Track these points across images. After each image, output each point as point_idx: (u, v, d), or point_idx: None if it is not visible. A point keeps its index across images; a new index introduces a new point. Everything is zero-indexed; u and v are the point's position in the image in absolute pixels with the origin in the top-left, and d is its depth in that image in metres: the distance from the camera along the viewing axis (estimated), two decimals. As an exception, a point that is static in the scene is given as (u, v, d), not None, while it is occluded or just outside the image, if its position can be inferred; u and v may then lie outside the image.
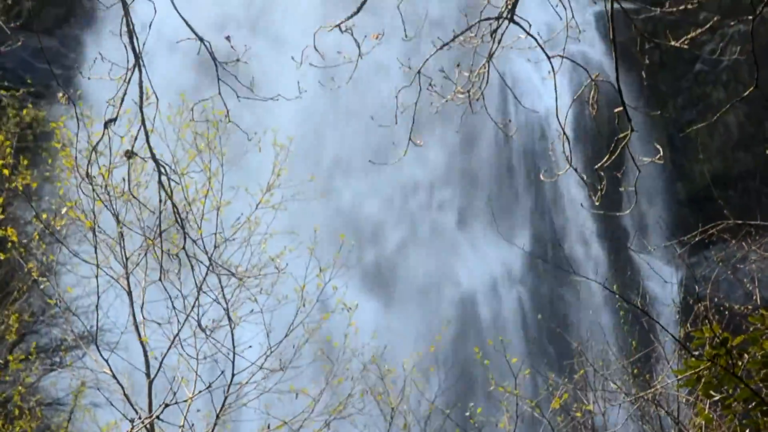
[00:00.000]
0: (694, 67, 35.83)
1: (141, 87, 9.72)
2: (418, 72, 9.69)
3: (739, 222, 14.97)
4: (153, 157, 10.36)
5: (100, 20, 30.13)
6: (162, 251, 13.12)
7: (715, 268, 21.76)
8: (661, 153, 10.20)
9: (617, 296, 22.07)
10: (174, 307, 15.29)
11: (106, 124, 10.21)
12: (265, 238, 18.98)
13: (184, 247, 12.06)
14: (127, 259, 16.12)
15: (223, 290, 15.54)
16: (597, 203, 9.74)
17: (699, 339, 9.45)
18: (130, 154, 10.77)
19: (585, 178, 10.12)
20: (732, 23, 33.55)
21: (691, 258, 26.89)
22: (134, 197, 14.30)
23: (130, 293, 16.06)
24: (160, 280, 13.37)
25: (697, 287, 19.74)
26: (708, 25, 12.84)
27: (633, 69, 30.15)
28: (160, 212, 11.96)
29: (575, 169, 9.78)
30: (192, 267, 12.87)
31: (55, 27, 33.10)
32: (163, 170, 10.44)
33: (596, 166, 9.67)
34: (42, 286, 19.55)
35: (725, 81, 35.58)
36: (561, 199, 34.02)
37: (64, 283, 19.24)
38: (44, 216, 18.87)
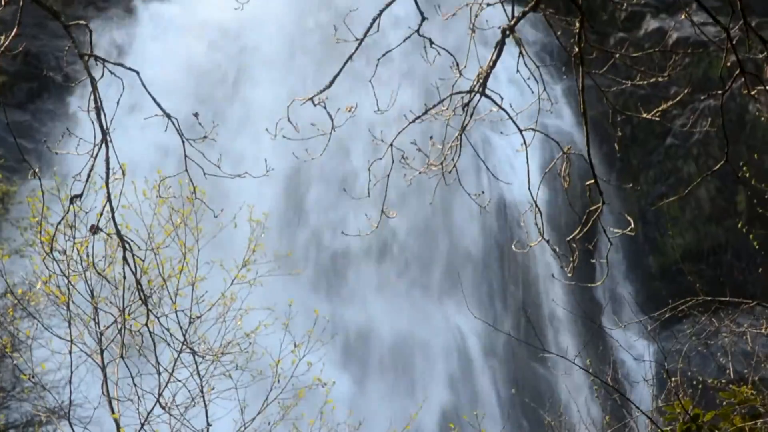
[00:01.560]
0: (665, 141, 36.11)
1: (107, 163, 9.76)
2: (390, 144, 9.75)
3: (709, 298, 15.04)
4: (118, 233, 10.39)
5: (72, 95, 30.24)
6: (123, 328, 13.12)
7: (687, 342, 21.80)
8: (632, 225, 10.25)
9: (589, 373, 22.03)
10: (137, 386, 15.19)
11: (72, 200, 10.23)
12: (241, 314, 18.94)
13: (146, 324, 12.04)
14: (101, 334, 16.04)
15: (197, 366, 15.47)
16: (570, 275, 9.76)
17: (671, 414, 9.45)
18: (95, 230, 10.78)
19: (557, 250, 10.16)
20: (702, 98, 33.89)
21: (663, 332, 26.88)
22: (99, 273, 14.29)
23: (103, 368, 15.95)
24: (121, 356, 13.31)
25: (668, 362, 19.74)
26: (678, 99, 12.99)
27: (605, 142, 30.47)
28: (124, 288, 11.98)
29: (547, 241, 9.82)
30: (155, 345, 12.87)
31: (27, 101, 33.17)
32: (127, 246, 10.46)
33: (568, 238, 9.71)
34: (15, 362, 19.41)
35: (696, 155, 35.86)
36: (533, 272, 34.06)
37: (36, 358, 19.10)
38: (19, 291, 18.80)
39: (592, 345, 29.37)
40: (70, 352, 15.80)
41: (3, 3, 9.71)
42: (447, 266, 33.94)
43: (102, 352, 16.03)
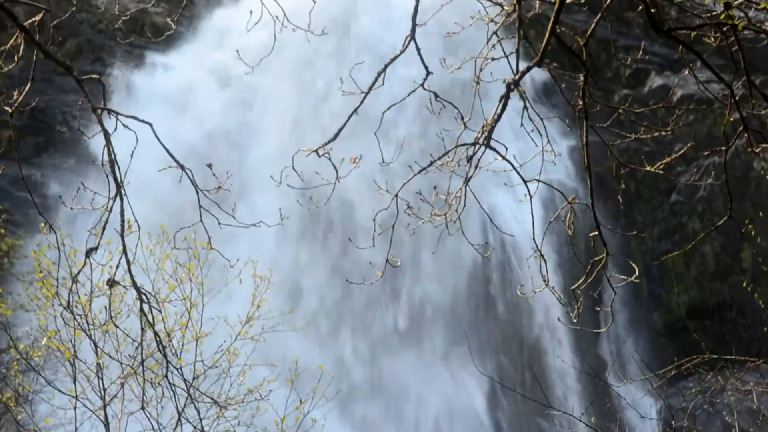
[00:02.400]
0: (669, 198, 36.16)
1: (122, 216, 9.80)
2: (395, 195, 9.81)
3: (715, 356, 15.06)
4: (134, 285, 10.40)
5: (81, 148, 30.34)
6: (144, 380, 13.11)
7: (693, 400, 21.74)
8: (637, 272, 10.29)
9: (596, 431, 21.95)
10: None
11: (88, 253, 10.26)
12: (244, 370, 18.93)
13: (165, 376, 12.03)
14: (105, 390, 16.03)
15: (201, 422, 15.45)
16: (575, 320, 9.79)
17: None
18: (112, 283, 10.80)
19: (562, 297, 10.20)
20: (706, 154, 33.99)
21: (669, 389, 26.81)
22: (116, 326, 14.30)
23: (107, 424, 15.94)
24: (142, 408, 13.31)
25: (674, 420, 19.68)
26: (681, 153, 13.07)
27: (609, 198, 30.46)
28: (142, 341, 11.97)
29: (552, 288, 9.86)
30: (174, 394, 12.83)
31: (34, 155, 33.29)
32: (144, 299, 10.48)
33: (573, 287, 9.75)
34: (18, 417, 19.37)
35: (701, 212, 35.89)
36: (538, 327, 33.99)
37: (39, 413, 19.07)
38: (21, 347, 18.79)
39: (598, 402, 29.27)
40: (75, 408, 15.80)
41: (16, 58, 9.81)
42: (451, 318, 33.88)
43: (105, 407, 16.04)
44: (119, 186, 9.53)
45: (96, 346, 15.82)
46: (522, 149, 10.52)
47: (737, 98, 11.06)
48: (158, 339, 11.41)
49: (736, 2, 10.66)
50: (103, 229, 9.73)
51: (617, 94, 37.00)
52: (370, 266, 10.74)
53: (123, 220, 9.69)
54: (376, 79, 9.71)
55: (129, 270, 10.23)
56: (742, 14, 10.80)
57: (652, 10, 10.14)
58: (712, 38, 11.12)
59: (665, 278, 35.42)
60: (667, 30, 10.23)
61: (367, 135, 10.36)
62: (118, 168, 9.53)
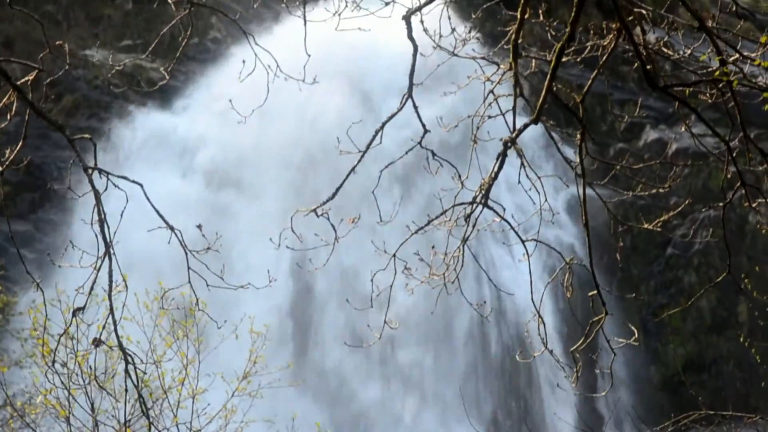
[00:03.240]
0: (666, 252, 36.13)
1: (110, 276, 9.76)
2: (393, 255, 9.76)
3: (712, 413, 14.99)
4: (120, 346, 10.35)
5: (76, 205, 30.32)
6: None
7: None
8: (636, 335, 10.24)
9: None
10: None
11: (75, 313, 10.21)
12: (242, 427, 18.82)
13: (150, 438, 11.94)
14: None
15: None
16: (574, 385, 9.73)
17: None
18: (97, 343, 10.75)
19: (560, 360, 10.13)
20: (703, 209, 33.99)
21: (667, 444, 26.63)
22: (101, 387, 14.21)
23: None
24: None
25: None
26: (679, 210, 13.05)
27: (606, 252, 30.46)
28: (125, 402, 11.89)
29: (551, 351, 9.80)
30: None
31: (29, 212, 33.27)
32: (129, 359, 10.41)
33: (572, 349, 9.69)
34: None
35: (697, 265, 35.85)
36: (535, 384, 33.84)
37: (33, 471, 18.91)
38: (19, 404, 18.69)
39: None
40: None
41: (9, 116, 9.80)
42: (448, 377, 33.72)
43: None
44: (108, 245, 9.49)
45: (92, 404, 15.74)
46: (520, 203, 10.50)
47: (734, 153, 11.05)
48: (142, 401, 11.36)
49: (731, 58, 10.67)
50: (91, 288, 9.69)
51: (613, 147, 37.08)
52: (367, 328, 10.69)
53: (111, 280, 9.65)
54: (374, 138, 9.71)
55: (115, 330, 10.18)
56: (737, 69, 10.82)
57: (648, 67, 10.15)
58: (708, 94, 11.14)
59: (662, 332, 35.33)
60: (662, 87, 10.23)
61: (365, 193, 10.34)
62: (107, 227, 9.49)
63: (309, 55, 10.20)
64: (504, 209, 9.85)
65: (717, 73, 10.47)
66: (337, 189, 9.55)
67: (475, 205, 9.82)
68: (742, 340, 30.00)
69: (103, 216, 9.43)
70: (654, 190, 11.43)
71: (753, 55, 10.73)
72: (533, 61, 10.94)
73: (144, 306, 17.20)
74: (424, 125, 9.98)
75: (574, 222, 34.33)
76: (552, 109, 10.97)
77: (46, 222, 32.89)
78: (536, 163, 32.69)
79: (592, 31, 11.43)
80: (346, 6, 9.97)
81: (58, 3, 37.70)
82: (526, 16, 10.39)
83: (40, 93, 10.44)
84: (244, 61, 10.27)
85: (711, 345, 35.75)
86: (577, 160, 10.06)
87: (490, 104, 10.22)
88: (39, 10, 36.47)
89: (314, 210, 9.50)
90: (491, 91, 10.26)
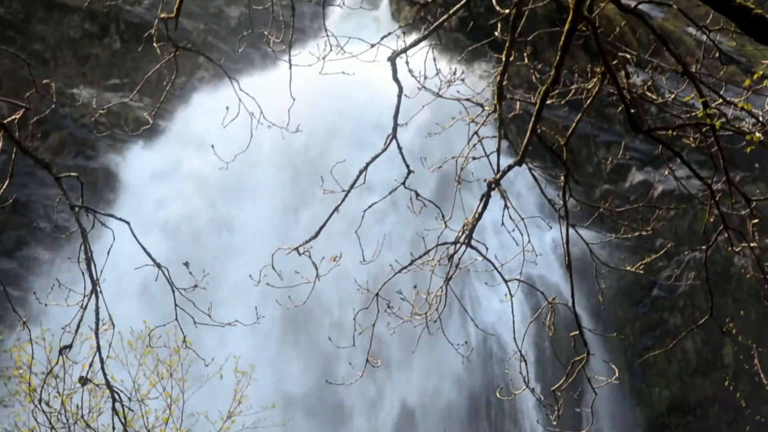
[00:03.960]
0: (651, 293, 36.17)
1: (97, 314, 9.76)
2: (377, 295, 9.78)
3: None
4: (107, 384, 10.34)
5: (62, 242, 30.26)
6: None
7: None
8: (617, 374, 10.27)
9: None
10: None
11: (61, 351, 10.20)
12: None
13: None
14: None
15: None
16: (554, 422, 9.74)
17: None
18: (84, 381, 10.72)
19: (542, 399, 10.15)
20: (687, 251, 34.06)
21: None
22: (88, 426, 14.16)
23: None
24: None
25: None
26: (662, 252, 13.10)
27: (591, 293, 30.48)
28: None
29: (532, 390, 9.82)
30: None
31: (15, 249, 33.20)
32: (117, 397, 10.40)
33: (553, 388, 9.71)
34: None
35: (682, 307, 35.88)
36: (519, 424, 33.75)
37: None
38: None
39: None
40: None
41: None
42: (431, 415, 33.63)
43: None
44: (95, 283, 9.50)
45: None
46: (503, 242, 10.53)
47: (717, 196, 11.12)
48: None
49: (714, 103, 10.76)
50: (78, 327, 9.69)
51: (598, 189, 37.18)
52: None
53: (98, 318, 9.66)
54: (357, 178, 9.75)
55: (102, 368, 10.16)
56: (721, 112, 10.90)
57: (632, 110, 10.22)
58: (692, 138, 11.21)
59: (647, 373, 35.30)
60: (646, 130, 10.31)
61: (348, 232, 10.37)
62: (94, 265, 9.50)
63: (294, 99, 10.26)
64: (487, 249, 9.89)
65: (700, 115, 10.56)
66: (320, 228, 9.59)
67: (458, 245, 9.85)
68: (727, 383, 30.05)
69: (89, 254, 9.45)
70: (638, 233, 11.48)
71: (736, 100, 10.82)
72: (518, 102, 11.01)
73: (128, 344, 17.16)
74: (407, 166, 10.03)
75: (558, 262, 34.36)
76: (537, 148, 11.06)
77: (31, 260, 32.83)
78: (524, 200, 32.79)
79: (577, 74, 11.51)
80: (331, 49, 10.04)
81: (45, 42, 37.80)
82: (512, 59, 10.47)
83: (27, 131, 10.47)
84: (227, 108, 10.33)
85: (696, 387, 35.73)
86: (561, 201, 10.11)
87: (474, 145, 10.28)
88: (26, 48, 36.57)
89: (296, 248, 9.53)
90: (476, 133, 10.32)
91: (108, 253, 9.49)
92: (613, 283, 35.22)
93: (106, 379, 10.31)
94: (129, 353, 17.37)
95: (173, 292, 9.64)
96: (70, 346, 10.18)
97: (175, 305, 9.73)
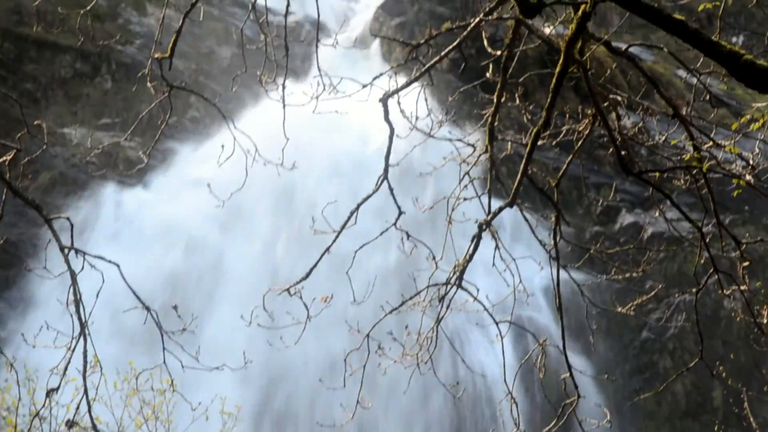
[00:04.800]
0: (641, 335, 36.13)
1: (85, 357, 9.73)
2: (367, 335, 9.77)
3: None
4: (94, 427, 10.28)
5: (50, 283, 30.17)
6: None
7: None
8: (608, 417, 10.25)
9: None
10: None
11: (48, 394, 10.16)
12: None
13: None
14: None
15: None
16: (546, 466, 9.72)
17: None
18: (71, 424, 10.67)
19: (533, 441, 10.13)
20: (677, 294, 34.08)
21: None
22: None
23: None
24: None
25: None
26: (652, 294, 13.12)
27: (581, 335, 30.44)
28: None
29: (523, 432, 9.80)
30: None
31: (3, 289, 33.09)
32: (103, 440, 10.36)
33: (544, 431, 9.69)
34: None
35: (672, 349, 35.84)
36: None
37: None
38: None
39: None
40: None
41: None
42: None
43: None
44: (83, 326, 9.47)
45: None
46: (494, 283, 10.53)
47: (707, 239, 11.14)
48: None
49: (704, 145, 10.80)
50: (65, 369, 9.65)
51: (588, 231, 37.22)
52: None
53: (86, 361, 9.62)
54: (349, 218, 9.75)
55: (89, 412, 10.12)
56: (711, 155, 10.94)
57: (623, 153, 10.25)
58: (682, 180, 11.24)
59: (637, 416, 35.21)
60: (637, 173, 10.33)
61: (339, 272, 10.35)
62: (83, 308, 9.48)
63: (287, 139, 10.28)
64: (478, 290, 9.88)
65: (689, 157, 10.59)
66: (311, 269, 9.58)
67: (449, 286, 9.85)
68: (716, 427, 29.98)
69: (78, 296, 9.43)
70: (628, 275, 11.49)
71: (726, 143, 10.86)
72: (509, 143, 11.05)
73: (114, 386, 17.09)
74: (399, 206, 10.03)
75: (549, 304, 34.33)
76: (528, 190, 11.06)
77: (20, 300, 32.71)
78: (515, 240, 32.79)
79: (568, 115, 11.55)
80: (324, 89, 10.06)
81: (37, 82, 37.86)
82: (503, 100, 10.50)
83: (18, 171, 10.46)
84: (222, 146, 10.34)
85: (686, 430, 35.64)
86: (552, 243, 10.12)
87: (465, 186, 10.29)
88: (18, 88, 36.61)
89: (287, 289, 9.52)
90: (467, 173, 10.34)
91: (97, 295, 9.48)
92: (602, 325, 35.20)
93: (93, 424, 10.26)
94: (113, 395, 17.29)
95: (161, 335, 9.62)
96: (57, 389, 10.14)
97: (164, 348, 9.70)
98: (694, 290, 11.43)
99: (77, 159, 35.72)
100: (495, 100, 10.33)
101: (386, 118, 9.98)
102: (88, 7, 11.61)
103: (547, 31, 11.91)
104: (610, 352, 35.87)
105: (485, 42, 10.44)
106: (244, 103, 33.85)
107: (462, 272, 9.82)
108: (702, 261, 11.33)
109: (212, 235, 34.76)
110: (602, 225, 37.62)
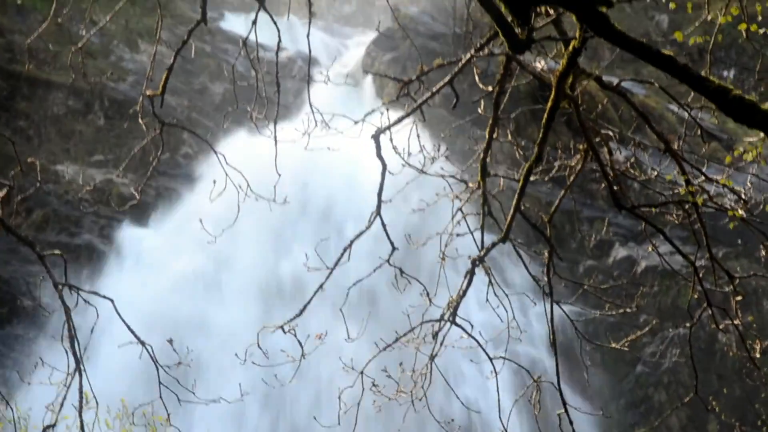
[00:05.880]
0: (635, 369, 36.08)
1: (81, 393, 9.69)
2: (361, 372, 9.75)
3: None
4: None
5: (45, 319, 30.11)
6: None
7: None
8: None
9: None
10: None
11: (45, 431, 10.11)
12: None
13: None
14: None
15: None
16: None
17: None
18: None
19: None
20: (671, 329, 34.06)
21: None
22: None
23: None
24: None
25: None
26: (646, 329, 13.13)
27: (575, 369, 30.40)
28: None
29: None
30: None
31: (-3, 327, 33.03)
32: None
33: (539, 467, 9.66)
34: None
35: (667, 383, 35.78)
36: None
37: None
38: None
39: None
40: None
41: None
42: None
43: None
44: (78, 362, 9.45)
45: None
46: (488, 318, 10.52)
47: (701, 274, 11.15)
48: None
49: (696, 180, 10.83)
50: (61, 406, 9.61)
51: (582, 264, 37.21)
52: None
53: (81, 397, 9.58)
54: (342, 255, 9.74)
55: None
56: (703, 189, 10.96)
57: (615, 188, 10.27)
58: (674, 215, 11.27)
59: (632, 450, 35.15)
60: (629, 207, 10.35)
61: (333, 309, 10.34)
62: (78, 344, 9.46)
63: (279, 175, 10.28)
64: (472, 326, 9.88)
65: (683, 192, 10.62)
66: (305, 306, 9.57)
67: (443, 323, 9.85)
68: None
69: (73, 332, 9.41)
70: (622, 311, 11.50)
71: (718, 177, 10.89)
72: (501, 180, 11.06)
73: (106, 424, 17.00)
74: (392, 243, 10.03)
75: (544, 339, 34.26)
76: (521, 224, 11.07)
77: (13, 337, 32.61)
78: (508, 274, 32.76)
79: (560, 150, 11.58)
80: (316, 125, 10.08)
81: (30, 119, 37.90)
82: (495, 135, 10.52)
83: (11, 208, 10.46)
84: (214, 182, 10.35)
85: (682, 464, 35.56)
86: (546, 278, 10.12)
87: (458, 222, 10.30)
88: (11, 125, 36.65)
89: (281, 327, 9.50)
90: (459, 209, 10.34)
91: (92, 331, 9.45)
92: (597, 359, 35.15)
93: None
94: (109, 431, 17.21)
95: (157, 370, 9.60)
96: (53, 426, 10.09)
97: (159, 383, 9.68)
98: (688, 325, 11.44)
99: (70, 195, 35.72)
100: (487, 136, 10.35)
101: (378, 155, 9.99)
102: (80, 45, 11.63)
103: (539, 65, 11.97)
104: (605, 386, 35.80)
105: (476, 78, 10.47)
106: (237, 138, 33.87)
107: (455, 308, 9.82)
108: (695, 295, 11.34)
109: (207, 271, 34.74)
110: (596, 259, 37.61)
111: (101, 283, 32.73)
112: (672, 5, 12.47)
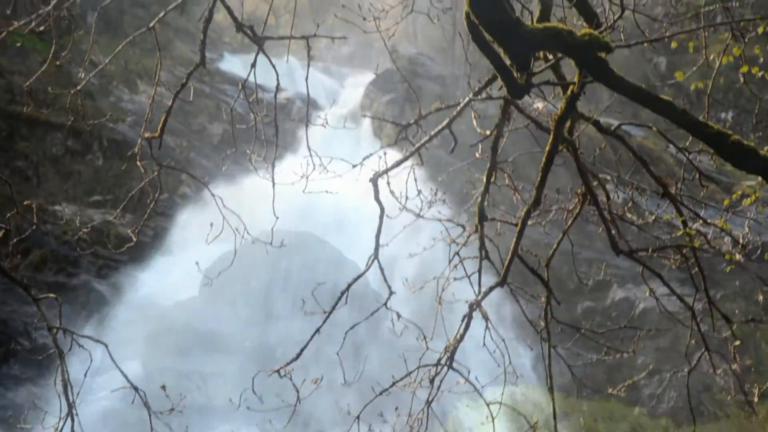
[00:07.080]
0: (633, 411, 35.97)
1: (73, 437, 9.65)
2: (357, 417, 9.71)
3: None
4: None
5: (42, 361, 30.04)
6: None
7: None
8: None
9: None
10: None
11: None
12: None
13: None
14: None
15: None
16: None
17: None
18: None
19: None
20: (669, 373, 33.99)
21: None
22: None
23: None
24: None
25: None
26: (644, 374, 13.09)
27: (573, 412, 30.29)
28: None
29: None
30: None
31: (-8, 368, 32.92)
32: None
33: None
34: None
35: (665, 427, 35.68)
36: None
37: None
38: None
39: None
40: None
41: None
42: None
43: None
44: (71, 406, 9.41)
45: None
46: (485, 360, 10.48)
47: (699, 318, 11.13)
48: None
49: (694, 223, 10.82)
50: (53, 451, 9.57)
51: (580, 305, 37.19)
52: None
53: (72, 441, 9.54)
54: (339, 299, 9.72)
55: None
56: (701, 232, 10.96)
57: (613, 231, 10.26)
58: (672, 259, 11.25)
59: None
60: (627, 252, 10.34)
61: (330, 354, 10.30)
62: (71, 388, 9.42)
63: (277, 218, 10.27)
64: (469, 371, 9.84)
65: (681, 233, 10.61)
66: (302, 350, 9.53)
67: (440, 367, 9.81)
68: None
69: (66, 376, 9.38)
70: (619, 355, 11.47)
71: (716, 221, 10.89)
72: (498, 224, 11.05)
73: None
74: (389, 287, 10.01)
75: (543, 381, 34.14)
76: (519, 267, 11.05)
77: (9, 378, 32.50)
78: (505, 317, 32.70)
79: (558, 193, 11.58)
80: (314, 168, 10.07)
81: (28, 159, 37.93)
82: (493, 179, 10.52)
83: (7, 249, 10.45)
84: (212, 224, 10.33)
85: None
86: (543, 323, 10.10)
87: (455, 266, 10.28)
88: (10, 165, 36.68)
89: (277, 371, 9.47)
90: (457, 253, 10.33)
91: (85, 375, 9.43)
92: (594, 401, 35.05)
93: None
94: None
95: (149, 415, 9.57)
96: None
97: (151, 429, 9.64)
98: (686, 369, 11.41)
99: (68, 236, 35.69)
100: (485, 180, 10.35)
101: (376, 198, 9.99)
102: (79, 87, 11.64)
103: (537, 106, 11.98)
104: (604, 429, 35.69)
105: (474, 122, 10.48)
106: (235, 180, 33.90)
107: (453, 353, 9.79)
108: (693, 340, 11.32)
109: (203, 315, 34.67)
110: (593, 300, 37.59)
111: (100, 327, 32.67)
112: (674, 43, 12.50)
